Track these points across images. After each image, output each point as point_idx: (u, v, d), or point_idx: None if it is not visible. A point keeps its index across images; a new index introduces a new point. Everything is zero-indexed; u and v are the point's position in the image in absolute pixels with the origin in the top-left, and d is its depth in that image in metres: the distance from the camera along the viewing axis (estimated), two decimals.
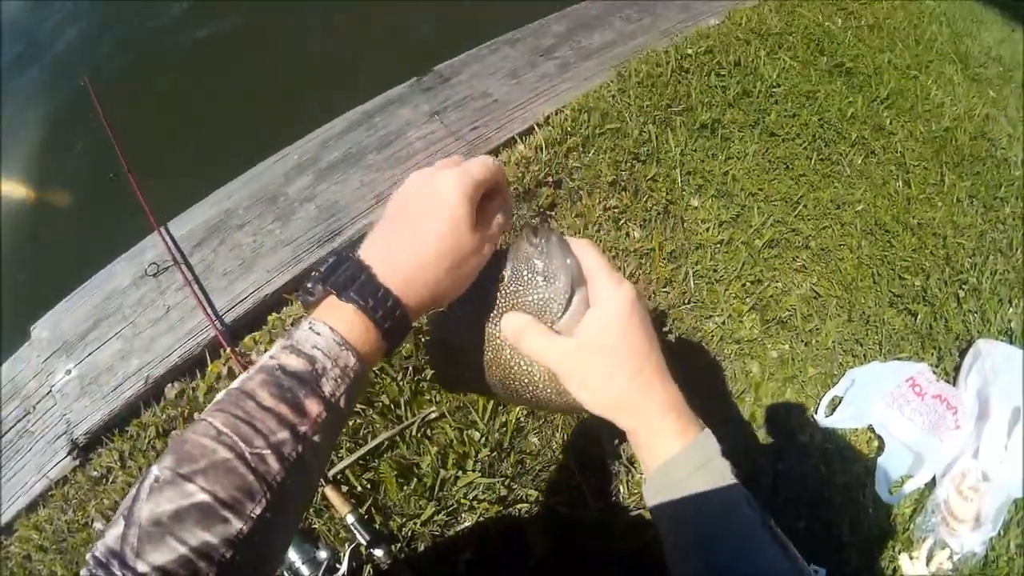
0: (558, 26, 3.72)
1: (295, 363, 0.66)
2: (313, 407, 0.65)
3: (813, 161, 3.09)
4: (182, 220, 2.72)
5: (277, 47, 5.17)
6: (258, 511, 0.60)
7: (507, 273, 0.84)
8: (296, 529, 0.74)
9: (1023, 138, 4.20)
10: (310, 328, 0.69)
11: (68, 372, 2.33)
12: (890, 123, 3.53)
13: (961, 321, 2.74)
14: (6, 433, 2.33)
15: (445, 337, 0.92)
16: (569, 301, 0.82)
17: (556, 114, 3.01)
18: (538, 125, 2.99)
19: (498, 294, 0.84)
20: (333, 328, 0.69)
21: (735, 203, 2.83)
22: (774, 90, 3.39)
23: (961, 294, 2.85)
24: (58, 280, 2.88)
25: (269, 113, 4.52)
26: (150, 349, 2.32)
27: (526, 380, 0.87)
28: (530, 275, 0.83)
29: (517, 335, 0.82)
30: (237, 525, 0.58)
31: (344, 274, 0.72)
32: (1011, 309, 2.91)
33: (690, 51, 3.46)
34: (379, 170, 2.82)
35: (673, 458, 0.78)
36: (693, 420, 0.82)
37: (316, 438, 0.66)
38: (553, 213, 2.61)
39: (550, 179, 2.68)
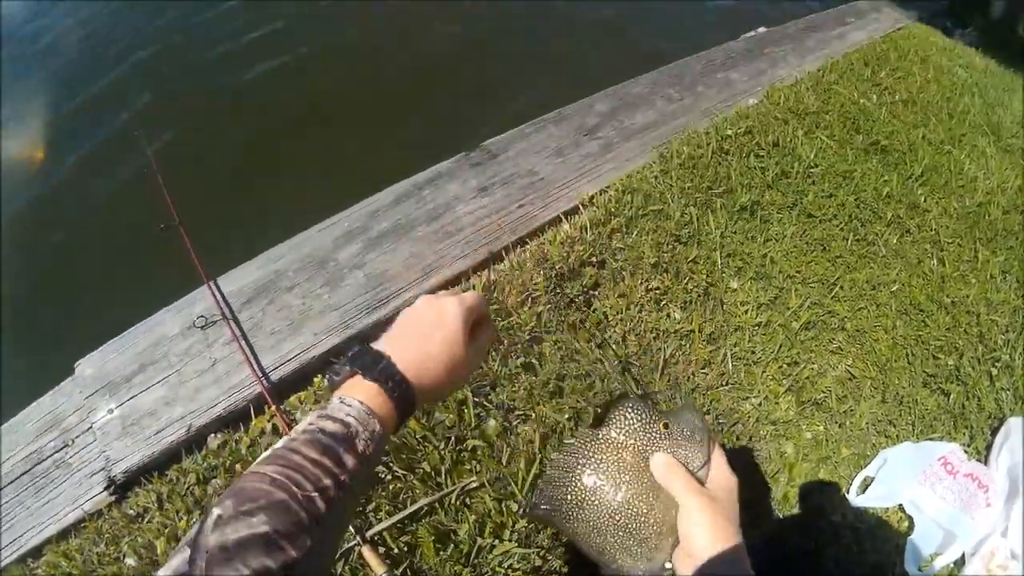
0: (601, 105, 3.86)
1: (332, 427, 0.83)
2: (350, 460, 0.82)
3: (849, 242, 3.19)
4: (231, 277, 2.83)
5: (327, 113, 5.42)
6: (309, 542, 0.73)
7: (670, 425, 1.00)
8: (334, 557, 0.99)
9: None
10: (341, 401, 0.87)
11: (110, 411, 2.41)
12: (924, 200, 3.63)
13: (994, 399, 2.80)
14: (43, 461, 2.41)
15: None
16: (706, 463, 0.99)
17: (600, 194, 3.14)
18: (583, 205, 3.11)
19: (654, 436, 0.98)
20: (362, 401, 0.87)
21: (773, 285, 2.93)
22: (812, 170, 3.51)
23: (994, 372, 2.91)
24: (101, 322, 2.97)
25: (318, 179, 4.73)
26: (194, 399, 2.41)
27: (643, 510, 0.96)
28: (689, 431, 0.99)
29: (669, 466, 0.96)
30: (292, 553, 0.71)
31: (369, 360, 0.91)
32: None
33: (730, 132, 3.61)
34: (428, 243, 2.93)
35: None
36: None
37: (352, 485, 0.82)
38: (597, 292, 2.70)
39: (594, 259, 2.78)
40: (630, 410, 0.97)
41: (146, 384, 2.47)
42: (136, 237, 4.26)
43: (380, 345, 0.95)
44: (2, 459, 2.45)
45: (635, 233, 2.93)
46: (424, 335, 0.96)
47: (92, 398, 2.48)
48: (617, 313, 2.62)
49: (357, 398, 0.87)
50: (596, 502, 0.95)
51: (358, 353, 0.93)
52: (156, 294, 2.88)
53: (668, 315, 2.70)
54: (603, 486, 0.95)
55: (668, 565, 0.94)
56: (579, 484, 0.95)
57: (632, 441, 0.96)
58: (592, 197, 3.12)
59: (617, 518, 0.94)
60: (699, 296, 2.80)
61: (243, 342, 2.50)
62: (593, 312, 2.60)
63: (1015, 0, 8.60)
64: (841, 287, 3.00)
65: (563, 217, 3.07)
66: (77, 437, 2.43)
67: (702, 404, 2.52)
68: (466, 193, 3.16)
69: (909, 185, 3.71)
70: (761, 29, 5.63)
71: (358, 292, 2.73)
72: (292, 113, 5.39)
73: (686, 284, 2.82)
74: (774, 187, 3.38)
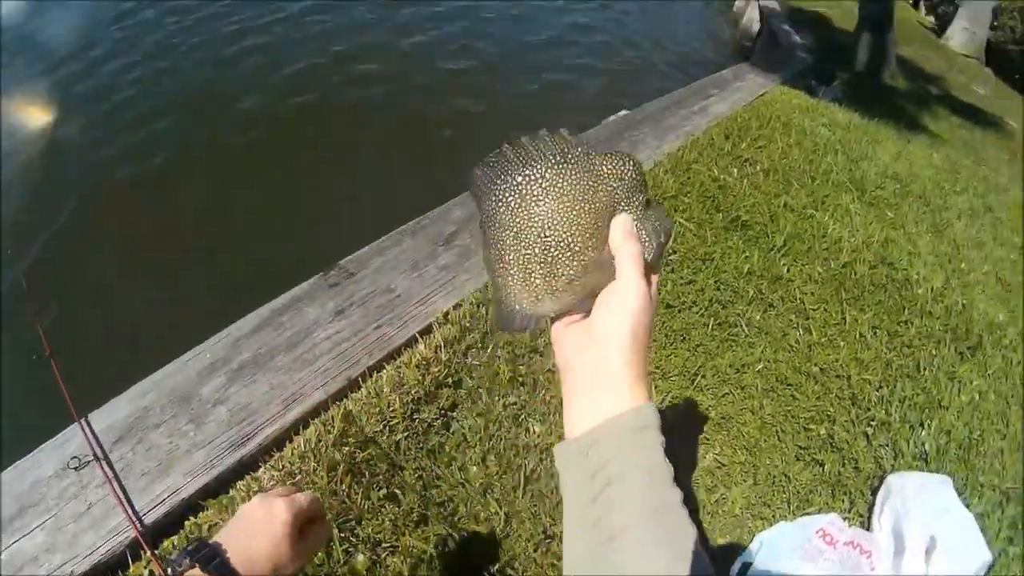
0: (459, 211, 3.94)
1: None
2: None
3: (710, 327, 3.30)
4: (102, 413, 2.79)
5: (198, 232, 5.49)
6: None
7: (652, 206, 0.85)
8: None
9: (922, 253, 4.54)
10: None
11: None
12: (788, 271, 3.82)
13: (872, 458, 2.93)
14: None
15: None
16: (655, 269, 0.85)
17: (455, 309, 3.19)
18: (437, 323, 3.15)
19: (634, 199, 0.83)
20: None
21: None
22: (670, 258, 3.65)
23: (870, 431, 3.04)
24: None
25: (186, 305, 4.72)
26: (73, 545, 2.35)
27: (575, 246, 0.80)
28: (659, 228, 0.84)
29: (632, 236, 0.80)
30: None
31: (207, 554, 0.97)
32: (923, 431, 3.12)
33: None
34: (288, 372, 2.95)
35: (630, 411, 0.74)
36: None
37: None
38: (455, 413, 2.71)
39: (450, 379, 2.80)
40: (629, 164, 0.82)
41: (26, 529, 2.42)
42: (9, 368, 4.22)
43: (219, 538, 1.01)
44: None
45: (490, 348, 2.96)
46: (253, 533, 1.03)
47: None
48: (476, 433, 2.65)
49: None
50: (540, 203, 0.79)
51: (198, 547, 0.98)
52: (32, 430, 2.83)
53: (527, 430, 2.72)
54: (557, 193, 0.79)
55: (546, 319, 0.85)
56: (538, 175, 0.78)
57: (613, 184, 0.81)
58: (447, 313, 3.14)
59: (547, 234, 0.79)
60: (557, 407, 2.82)
61: (115, 484, 2.47)
62: (452, 435, 2.63)
63: (875, 50, 9.22)
64: (703, 376, 3.09)
65: (418, 337, 3.10)
66: None
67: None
68: (324, 317, 3.20)
69: (771, 257, 3.89)
70: (623, 112, 5.89)
71: (222, 429, 2.73)
72: (160, 230, 5.45)
73: (544, 395, 2.85)
74: None
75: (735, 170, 4.70)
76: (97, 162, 5.97)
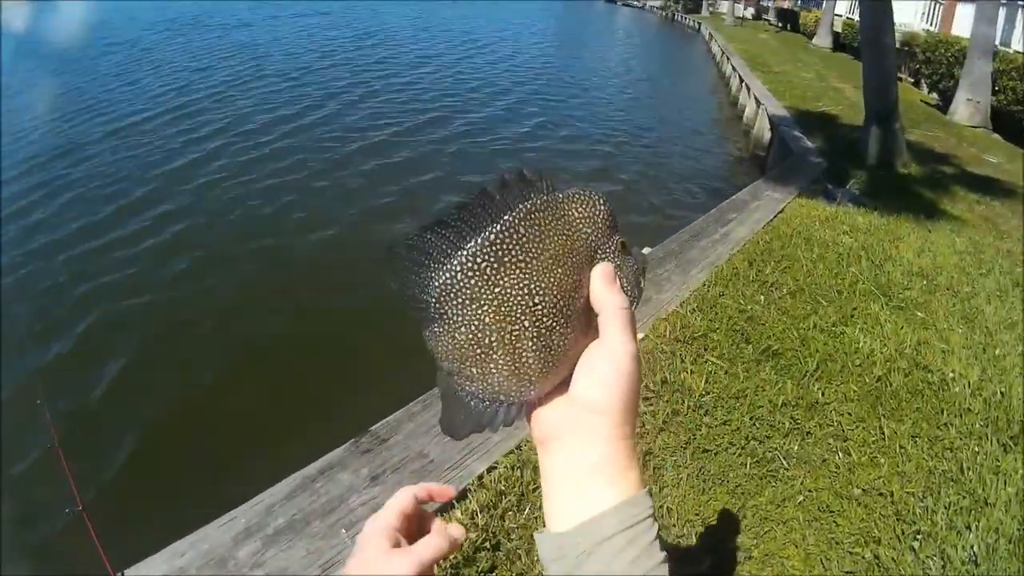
0: None
1: None
2: None
3: (748, 466, 3.47)
4: (139, 571, 2.86)
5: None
6: None
7: (628, 248, 0.74)
8: None
9: (955, 348, 4.71)
10: None
11: None
12: (823, 395, 4.01)
13: (922, 571, 3.02)
14: None
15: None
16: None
17: (488, 472, 3.27)
18: (472, 487, 3.22)
19: (608, 245, 0.72)
20: None
21: (672, 535, 3.04)
22: (703, 400, 3.85)
23: (916, 545, 3.14)
24: None
25: (214, 468, 4.91)
26: None
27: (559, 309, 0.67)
28: (638, 272, 0.75)
29: (614, 285, 0.71)
30: None
31: None
32: (971, 534, 3.20)
33: None
34: (324, 538, 2.99)
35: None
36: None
37: None
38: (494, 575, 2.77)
39: (488, 544, 2.84)
40: (600, 203, 0.70)
41: None
42: (42, 519, 4.43)
43: None
44: None
45: (528, 509, 3.02)
46: None
47: None
48: None
49: None
50: (521, 266, 0.65)
51: None
52: None
53: None
54: (538, 250, 0.66)
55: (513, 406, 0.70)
56: (511, 230, 0.65)
57: (587, 230, 0.69)
58: (481, 476, 3.22)
59: (535, 301, 0.66)
60: None
61: None
62: None
63: (885, 142, 9.53)
64: (744, 516, 3.24)
65: (455, 502, 3.15)
66: None
67: None
68: (358, 483, 3.27)
69: (805, 384, 4.09)
70: (646, 250, 6.19)
71: None
72: (185, 405, 5.73)
73: None
74: (666, 429, 3.65)
75: (762, 297, 4.98)
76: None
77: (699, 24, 37.73)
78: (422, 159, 11.36)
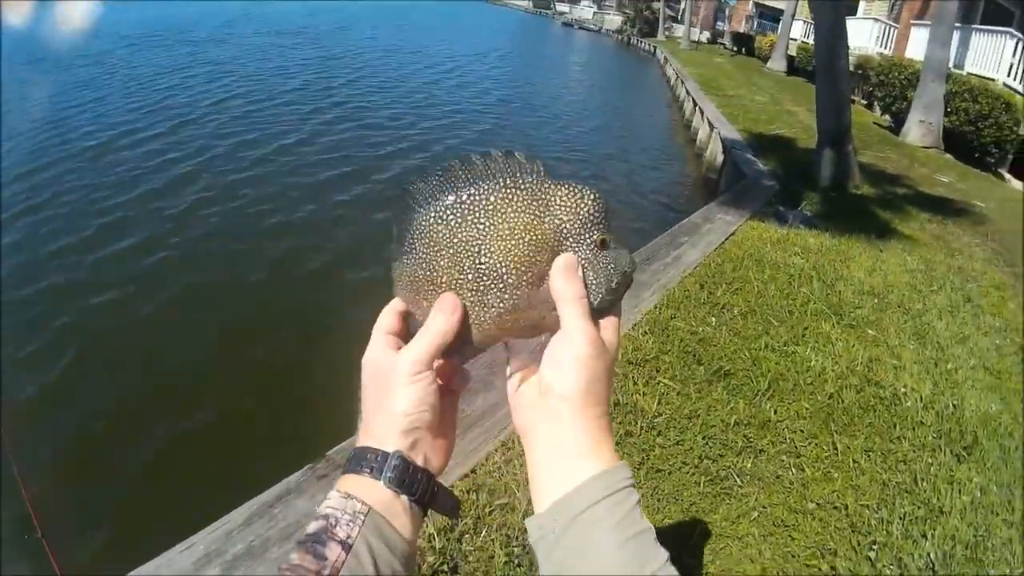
0: None
1: (313, 526, 0.77)
2: (331, 552, 0.74)
3: (702, 485, 3.51)
4: None
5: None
6: None
7: (608, 244, 0.79)
8: None
9: (906, 364, 4.82)
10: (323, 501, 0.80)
11: None
12: (775, 413, 4.09)
13: None
14: None
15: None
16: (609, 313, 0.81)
17: None
18: (428, 513, 3.29)
19: (583, 239, 0.78)
20: (337, 488, 0.79)
21: None
22: (656, 421, 3.90)
23: (873, 555, 3.21)
24: None
25: (169, 495, 4.88)
26: None
27: (508, 279, 0.76)
28: (616, 270, 0.79)
29: (575, 275, 0.75)
30: None
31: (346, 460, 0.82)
32: (927, 543, 3.29)
33: None
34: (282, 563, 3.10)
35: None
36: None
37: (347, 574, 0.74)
38: None
39: (445, 567, 2.85)
40: (588, 197, 0.77)
41: None
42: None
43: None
44: None
45: (484, 532, 3.04)
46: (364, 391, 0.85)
47: None
48: None
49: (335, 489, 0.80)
50: (479, 227, 0.75)
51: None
52: None
53: None
54: (499, 218, 0.75)
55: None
56: (483, 196, 0.74)
57: (563, 217, 0.76)
58: None
59: (481, 261, 0.75)
60: None
61: None
62: None
63: (838, 164, 9.75)
64: (699, 533, 3.28)
65: None
66: None
67: None
68: (315, 508, 3.32)
69: (757, 403, 4.17)
70: None
71: None
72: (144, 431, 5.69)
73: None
74: (619, 450, 3.61)
75: (713, 319, 5.07)
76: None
77: (654, 48, 38.28)
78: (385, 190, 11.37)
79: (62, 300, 7.16)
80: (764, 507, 3.45)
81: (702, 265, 6.11)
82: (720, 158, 12.71)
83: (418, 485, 0.80)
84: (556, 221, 0.75)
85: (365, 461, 0.79)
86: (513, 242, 0.74)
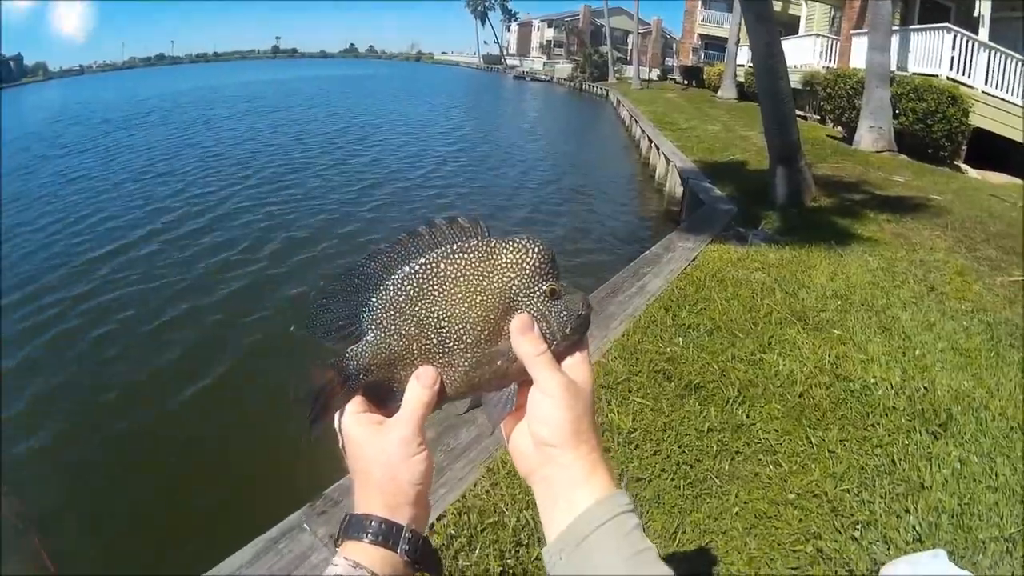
0: (429, 432, 4.23)
1: None
2: None
3: (682, 488, 3.70)
4: None
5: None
6: None
7: (558, 294, 0.85)
8: None
9: (874, 356, 5.06)
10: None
11: None
12: (747, 417, 4.30)
13: (867, 557, 3.24)
14: None
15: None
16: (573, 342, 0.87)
17: (438, 520, 3.43)
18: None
19: (533, 294, 0.84)
20: (344, 556, 0.85)
21: None
22: (632, 436, 4.10)
23: (857, 534, 3.37)
24: None
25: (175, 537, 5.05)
26: None
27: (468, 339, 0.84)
28: (570, 317, 0.85)
29: (531, 332, 0.83)
30: None
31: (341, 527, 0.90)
32: (911, 517, 3.46)
33: None
34: None
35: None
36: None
37: None
38: None
39: None
40: (532, 250, 0.84)
41: None
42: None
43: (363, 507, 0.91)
44: None
45: (478, 549, 3.21)
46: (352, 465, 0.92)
47: None
48: None
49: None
50: (435, 294, 0.83)
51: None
52: None
53: None
54: (451, 284, 0.83)
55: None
56: (432, 265, 0.82)
57: (510, 274, 0.83)
58: (432, 524, 3.34)
59: (441, 325, 0.83)
60: None
61: None
62: None
63: (791, 180, 10.10)
64: (683, 532, 3.45)
65: None
66: None
67: None
68: (318, 542, 3.44)
69: (729, 410, 4.39)
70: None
71: None
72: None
73: None
74: None
75: (680, 339, 5.32)
76: None
77: (606, 91, 38.89)
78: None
79: None
80: (745, 502, 3.63)
81: (666, 292, 6.38)
82: (679, 190, 13.09)
83: (420, 551, 0.88)
84: (504, 279, 0.82)
85: (369, 529, 0.85)
86: (467, 305, 0.82)
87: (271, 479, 5.64)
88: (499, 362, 0.84)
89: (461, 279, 0.82)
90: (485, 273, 0.82)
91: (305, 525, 3.57)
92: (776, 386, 4.67)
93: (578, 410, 0.82)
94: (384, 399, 0.88)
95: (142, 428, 6.53)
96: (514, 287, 0.83)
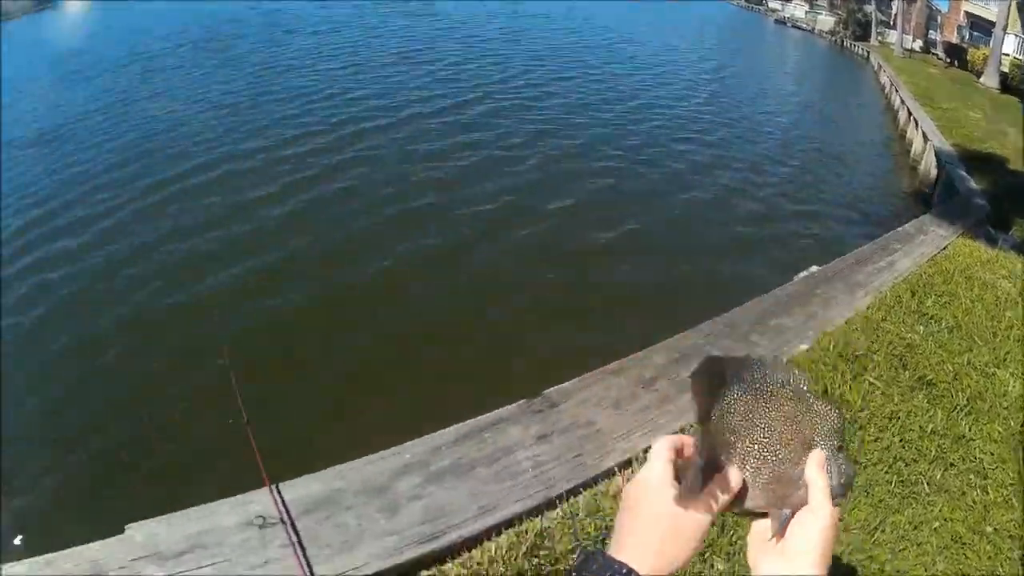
0: (659, 357, 4.45)
1: None
2: None
3: (893, 484, 3.77)
4: (293, 485, 3.20)
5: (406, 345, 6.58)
6: None
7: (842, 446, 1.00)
8: None
9: None
10: None
11: None
12: (969, 430, 4.29)
13: None
14: None
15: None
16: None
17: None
18: (637, 459, 3.53)
19: (829, 438, 0.99)
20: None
21: None
22: (859, 415, 4.19)
23: None
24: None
25: (381, 407, 5.54)
26: None
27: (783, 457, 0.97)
28: (843, 463, 0.99)
29: (824, 469, 0.94)
30: None
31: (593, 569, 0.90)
32: None
33: None
34: (486, 483, 3.30)
35: None
36: None
37: None
38: None
39: None
40: (835, 412, 1.00)
41: (196, 564, 2.81)
42: (207, 428, 5.07)
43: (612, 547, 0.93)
44: None
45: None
46: (633, 510, 0.95)
47: (138, 562, 2.80)
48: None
49: None
50: (770, 413, 0.98)
51: (584, 561, 0.92)
52: (212, 483, 3.50)
53: (712, 565, 3.13)
54: (782, 410, 0.98)
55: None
56: (776, 392, 0.99)
57: (817, 421, 0.98)
58: (647, 450, 3.07)
59: (766, 435, 0.97)
60: (743, 548, 2.96)
61: (299, 549, 2.84)
62: None
63: None
64: (883, 531, 3.51)
65: (617, 470, 3.48)
66: None
67: None
68: (526, 439, 3.57)
69: (954, 417, 4.38)
70: (813, 268, 6.60)
71: (415, 522, 3.10)
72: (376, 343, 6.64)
73: (732, 536, 3.26)
74: None
75: (921, 327, 5.31)
76: None
77: (868, 52, 36.70)
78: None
79: None
80: (946, 520, 3.66)
81: (914, 274, 6.34)
82: (934, 171, 12.66)
83: None
84: (812, 422, 0.97)
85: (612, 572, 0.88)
86: (787, 429, 0.96)
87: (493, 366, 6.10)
88: (791, 486, 0.96)
89: (788, 409, 0.98)
90: (803, 411, 0.98)
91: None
92: (1003, 407, 4.59)
93: (831, 540, 0.91)
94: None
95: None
96: (817, 430, 0.98)
